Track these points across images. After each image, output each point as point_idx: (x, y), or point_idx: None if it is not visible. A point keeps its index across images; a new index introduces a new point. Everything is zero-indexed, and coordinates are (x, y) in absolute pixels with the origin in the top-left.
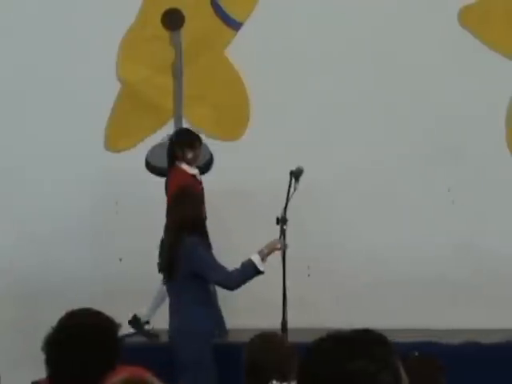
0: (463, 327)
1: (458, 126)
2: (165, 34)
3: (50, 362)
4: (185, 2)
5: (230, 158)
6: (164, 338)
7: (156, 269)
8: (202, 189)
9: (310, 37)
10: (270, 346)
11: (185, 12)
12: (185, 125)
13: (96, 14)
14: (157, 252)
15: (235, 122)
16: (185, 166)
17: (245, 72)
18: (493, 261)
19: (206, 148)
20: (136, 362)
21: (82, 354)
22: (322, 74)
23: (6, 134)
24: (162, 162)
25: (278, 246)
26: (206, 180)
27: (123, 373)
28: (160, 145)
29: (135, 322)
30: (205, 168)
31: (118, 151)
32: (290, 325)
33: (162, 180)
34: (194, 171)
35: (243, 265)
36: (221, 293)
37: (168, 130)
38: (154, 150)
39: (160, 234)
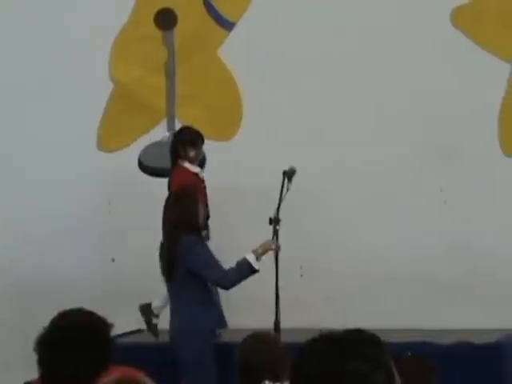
0: (456, 327)
1: (450, 126)
2: (157, 33)
3: (42, 362)
4: (177, 1)
5: (222, 157)
6: (165, 338)
7: (149, 268)
8: (205, 187)
9: (302, 37)
10: (262, 346)
11: (177, 12)
12: (177, 125)
13: (89, 14)
14: (150, 251)
15: (228, 121)
16: (187, 165)
17: (237, 72)
18: (485, 261)
19: None
20: (136, 362)
21: (74, 355)
22: (314, 73)
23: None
24: (155, 161)
25: (273, 246)
26: None
27: (115, 373)
28: (153, 144)
29: (146, 309)
30: None
31: (111, 151)
32: (283, 325)
33: (155, 179)
34: (196, 169)
35: (238, 264)
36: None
37: (161, 129)
38: (146, 150)
39: (153, 233)
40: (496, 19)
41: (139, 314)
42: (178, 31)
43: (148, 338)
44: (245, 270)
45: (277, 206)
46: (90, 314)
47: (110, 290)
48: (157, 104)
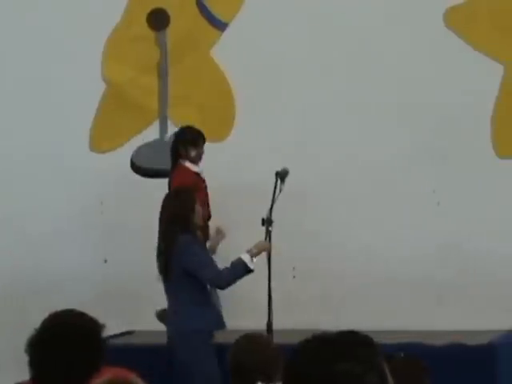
0: (448, 328)
1: (443, 127)
2: (150, 33)
3: (34, 363)
4: (170, 2)
5: (215, 158)
6: (159, 340)
7: (141, 269)
8: (206, 187)
9: (295, 37)
10: (255, 348)
11: (170, 12)
12: (170, 125)
13: (81, 14)
14: (142, 252)
15: (220, 122)
16: (188, 164)
17: (230, 72)
18: (478, 261)
19: None
20: (127, 363)
21: (65, 355)
22: (307, 74)
23: None
24: (148, 162)
25: (269, 248)
26: None
27: (107, 374)
28: (146, 145)
29: (163, 314)
30: None
31: (103, 152)
32: (276, 326)
33: (148, 180)
34: (197, 169)
35: (233, 263)
36: None
37: (153, 130)
38: (139, 151)
39: (146, 234)
40: (489, 20)
41: (133, 315)
42: (171, 31)
43: (139, 340)
44: (240, 269)
45: (269, 206)
46: (82, 314)
47: (103, 291)
48: (149, 104)
